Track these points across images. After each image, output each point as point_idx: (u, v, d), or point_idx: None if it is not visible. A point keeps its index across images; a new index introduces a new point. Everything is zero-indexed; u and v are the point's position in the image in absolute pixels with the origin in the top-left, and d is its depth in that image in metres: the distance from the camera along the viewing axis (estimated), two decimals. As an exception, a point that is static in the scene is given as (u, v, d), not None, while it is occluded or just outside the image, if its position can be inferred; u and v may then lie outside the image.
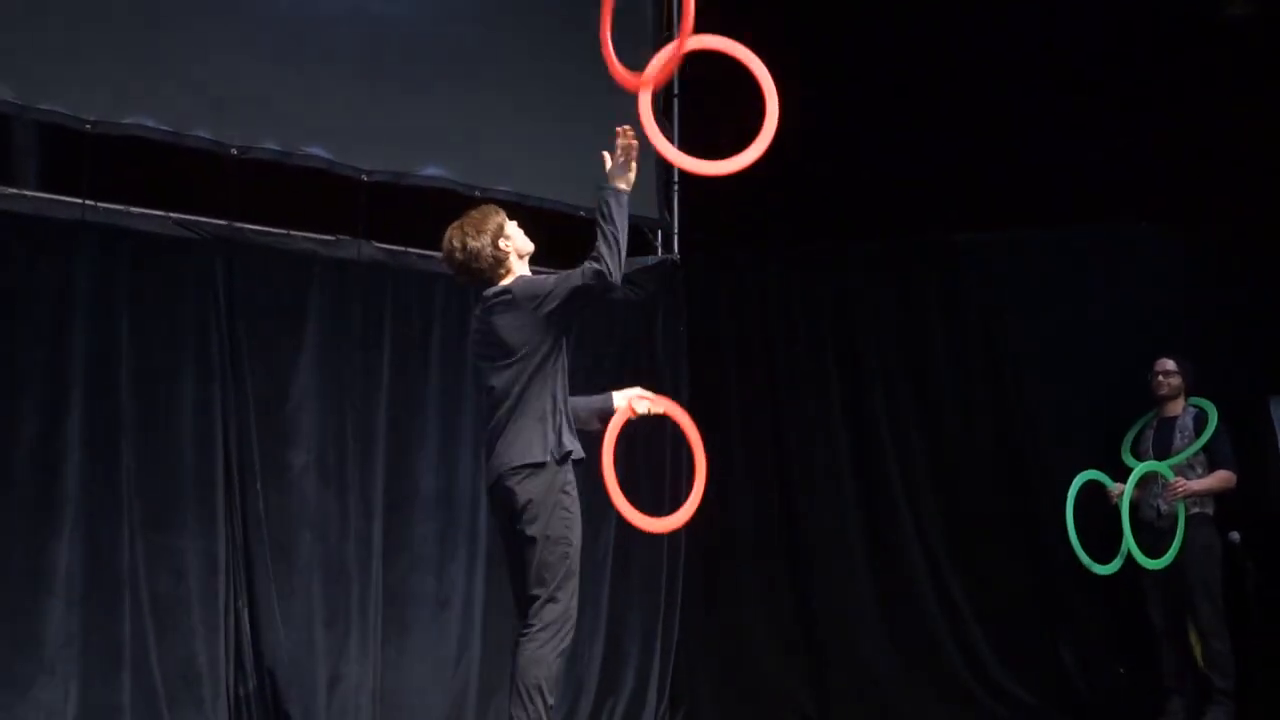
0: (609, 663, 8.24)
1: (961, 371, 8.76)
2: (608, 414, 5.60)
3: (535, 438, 5.24)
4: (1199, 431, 7.74)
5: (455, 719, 7.61)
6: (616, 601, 8.31)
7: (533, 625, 5.18)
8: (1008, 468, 8.61)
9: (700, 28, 5.39)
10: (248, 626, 6.96)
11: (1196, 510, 7.70)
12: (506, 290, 5.34)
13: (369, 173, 7.60)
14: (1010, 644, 8.46)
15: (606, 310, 8.49)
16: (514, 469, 5.22)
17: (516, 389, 5.27)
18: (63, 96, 6.66)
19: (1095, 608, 8.26)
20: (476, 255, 5.35)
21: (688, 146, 8.98)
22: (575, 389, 8.16)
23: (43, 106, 6.65)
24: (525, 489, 5.21)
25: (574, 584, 5.27)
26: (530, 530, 5.21)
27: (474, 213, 5.45)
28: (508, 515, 5.29)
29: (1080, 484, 7.52)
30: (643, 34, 8.95)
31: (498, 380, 5.31)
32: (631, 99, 8.94)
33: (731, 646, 8.79)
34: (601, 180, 5.31)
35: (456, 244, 5.37)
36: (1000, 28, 9.85)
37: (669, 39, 8.97)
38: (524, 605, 5.28)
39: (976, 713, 8.28)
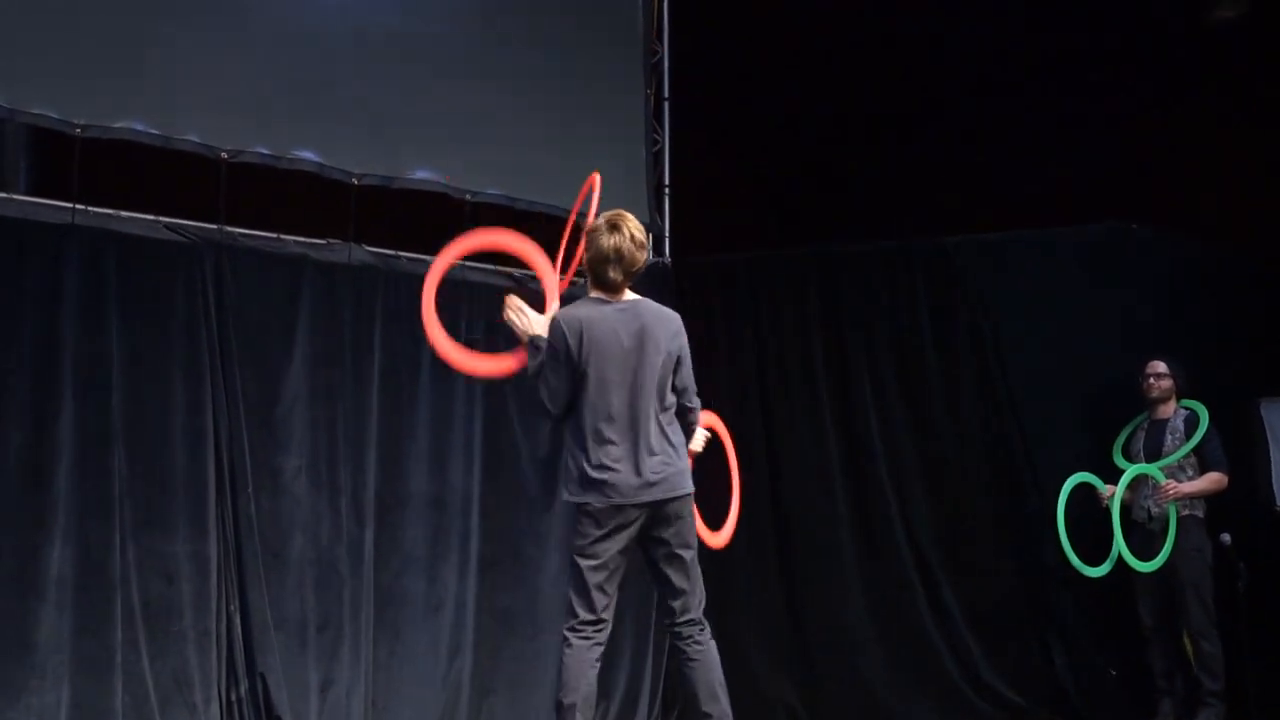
0: (601, 667, 8.21)
1: (951, 373, 8.75)
2: None
3: (688, 466, 5.52)
4: (1190, 433, 7.76)
5: (447, 722, 7.62)
6: (608, 604, 8.30)
7: (704, 627, 5.54)
8: (998, 470, 8.61)
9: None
10: (239, 630, 6.95)
11: (1187, 512, 7.72)
12: (675, 320, 5.56)
13: (359, 176, 7.60)
14: (1001, 645, 8.46)
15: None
16: (687, 495, 5.45)
17: (667, 412, 5.47)
18: (52, 100, 6.66)
19: (1086, 609, 8.27)
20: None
21: (678, 149, 9.11)
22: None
23: (33, 110, 6.66)
24: (688, 509, 5.47)
25: None
26: (687, 554, 5.46)
27: (631, 215, 5.52)
28: (659, 529, 5.40)
29: (1071, 486, 7.53)
30: (632, 40, 8.95)
31: (644, 390, 5.39)
32: (623, 105, 8.98)
33: (722, 649, 8.74)
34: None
35: (642, 238, 5.48)
36: (991, 30, 9.89)
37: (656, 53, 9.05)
38: (603, 610, 5.44)
39: (967, 714, 8.28)
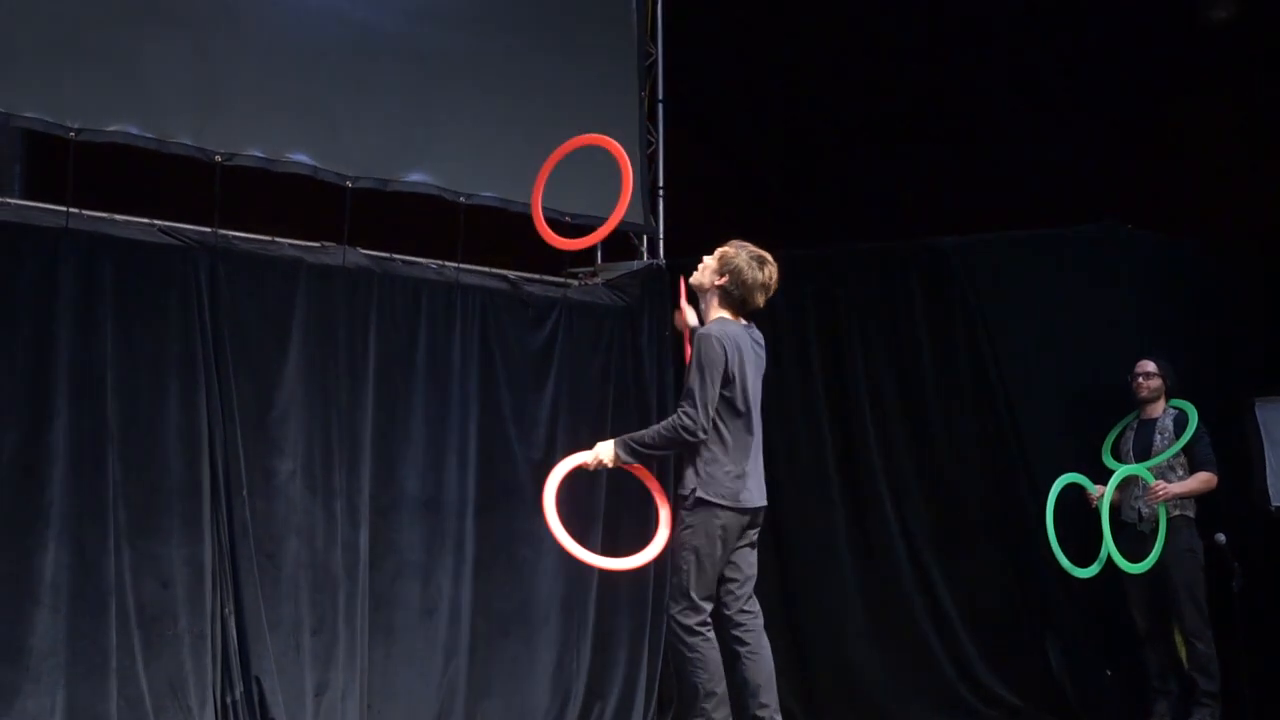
0: (596, 666, 8.23)
1: (946, 374, 8.75)
2: None
3: None
4: (1179, 433, 7.76)
5: (442, 725, 7.62)
6: (604, 605, 8.30)
7: (759, 615, 5.96)
8: (994, 470, 8.61)
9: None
10: (234, 634, 6.95)
11: (1178, 513, 7.72)
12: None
13: (354, 179, 7.60)
14: (996, 647, 8.47)
15: (593, 316, 8.51)
16: None
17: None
18: (46, 104, 6.66)
19: (1081, 610, 8.27)
20: None
21: (672, 150, 9.12)
22: (563, 393, 8.20)
23: (27, 114, 6.65)
24: None
25: None
26: (755, 548, 6.06)
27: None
28: (750, 530, 5.98)
29: (1060, 487, 7.53)
30: (626, 42, 8.96)
31: (756, 412, 5.95)
32: (617, 106, 8.98)
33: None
34: None
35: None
36: (985, 32, 9.90)
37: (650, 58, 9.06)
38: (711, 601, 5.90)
39: (964, 715, 8.29)
